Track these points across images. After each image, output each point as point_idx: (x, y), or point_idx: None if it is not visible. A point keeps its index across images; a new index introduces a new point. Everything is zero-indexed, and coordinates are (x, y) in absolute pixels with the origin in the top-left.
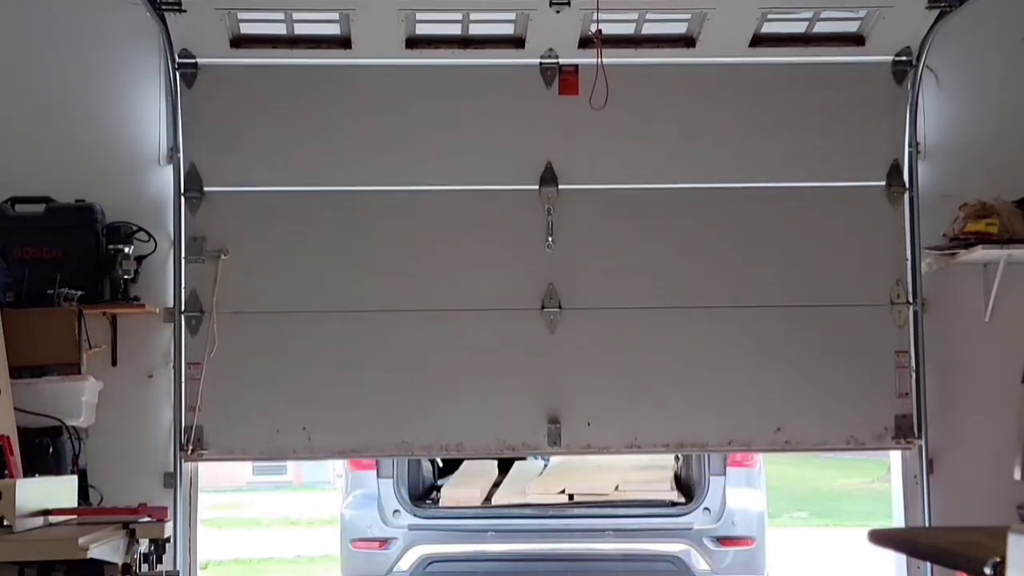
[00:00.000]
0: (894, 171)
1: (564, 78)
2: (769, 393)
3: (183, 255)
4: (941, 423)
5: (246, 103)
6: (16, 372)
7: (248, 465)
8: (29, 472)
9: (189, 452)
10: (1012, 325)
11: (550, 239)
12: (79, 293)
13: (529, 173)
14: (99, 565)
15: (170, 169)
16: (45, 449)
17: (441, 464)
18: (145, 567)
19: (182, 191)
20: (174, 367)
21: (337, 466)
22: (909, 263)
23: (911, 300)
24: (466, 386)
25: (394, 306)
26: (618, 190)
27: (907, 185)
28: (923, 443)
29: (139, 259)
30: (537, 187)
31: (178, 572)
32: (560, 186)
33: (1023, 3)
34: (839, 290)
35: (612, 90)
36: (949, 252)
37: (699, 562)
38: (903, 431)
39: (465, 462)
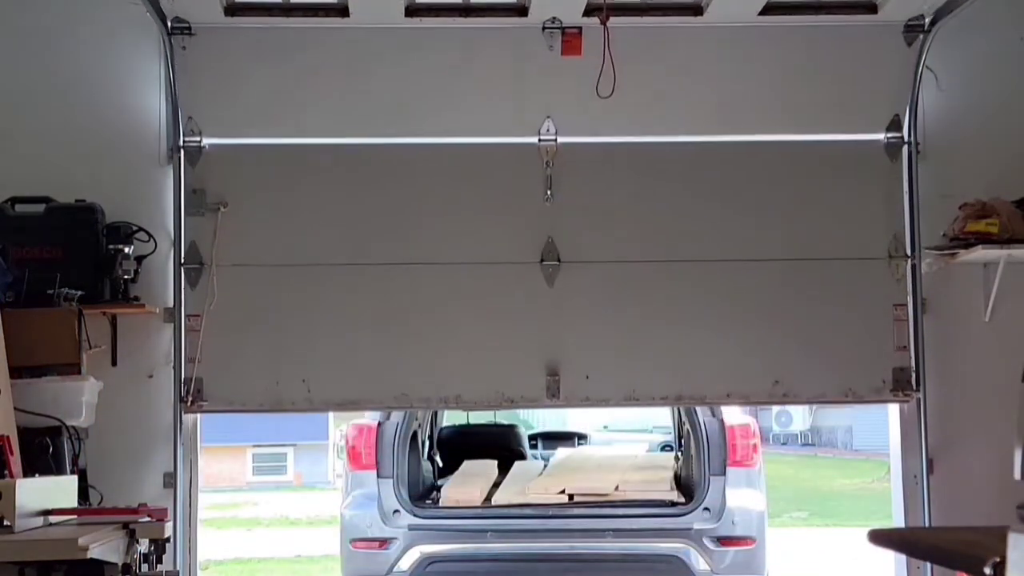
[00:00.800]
0: (893, 125)
1: (567, 40)
2: (767, 346)
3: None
4: (941, 423)
5: (244, 57)
6: (16, 372)
7: (248, 465)
8: (29, 472)
9: (189, 404)
10: (1012, 325)
11: (549, 192)
12: (79, 293)
13: (528, 126)
14: (99, 565)
15: (170, 169)
16: (45, 449)
17: (441, 464)
18: (145, 567)
19: (181, 143)
20: (174, 319)
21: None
22: (907, 217)
23: (909, 254)
24: (465, 339)
25: (393, 259)
26: (618, 144)
27: (906, 138)
28: (921, 396)
29: (139, 259)
30: (536, 140)
31: (178, 572)
32: (559, 139)
33: (1023, 3)
34: (837, 244)
35: (614, 49)
36: (949, 252)
37: (699, 562)
38: (901, 384)
39: (465, 462)
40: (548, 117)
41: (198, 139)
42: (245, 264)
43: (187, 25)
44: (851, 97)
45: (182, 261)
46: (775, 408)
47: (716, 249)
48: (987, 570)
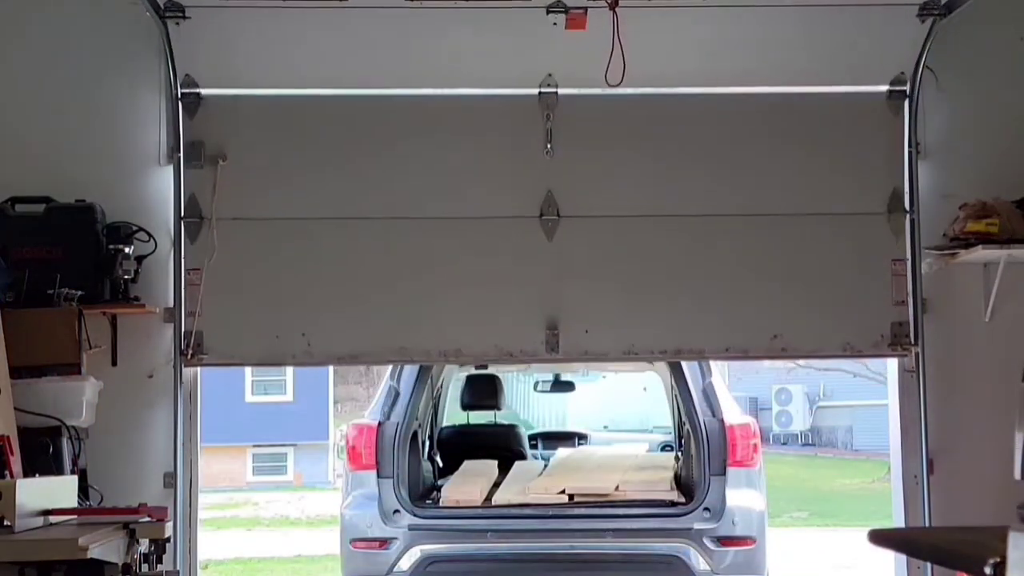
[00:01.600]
0: (897, 81)
1: (572, 17)
2: (766, 300)
3: (183, 249)
4: (941, 423)
5: (241, 9)
6: (16, 372)
7: (248, 465)
8: (29, 472)
9: (189, 357)
10: (1012, 325)
11: (549, 147)
12: (79, 293)
13: (529, 78)
14: (99, 565)
15: (170, 169)
16: (45, 449)
17: (441, 464)
18: (145, 567)
19: (178, 95)
20: (174, 272)
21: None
22: (907, 172)
23: (908, 208)
24: (464, 293)
25: (393, 213)
26: (619, 96)
27: (908, 94)
28: (919, 350)
29: (139, 259)
30: (536, 92)
31: (178, 572)
32: (560, 91)
33: (1023, 3)
34: (836, 199)
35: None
36: (949, 252)
37: (699, 562)
38: (899, 338)
39: (465, 462)
40: (549, 74)
41: (196, 89)
42: (244, 218)
43: (181, 11)
44: (855, 49)
45: (182, 215)
46: (775, 408)
47: (715, 203)
48: (987, 570)
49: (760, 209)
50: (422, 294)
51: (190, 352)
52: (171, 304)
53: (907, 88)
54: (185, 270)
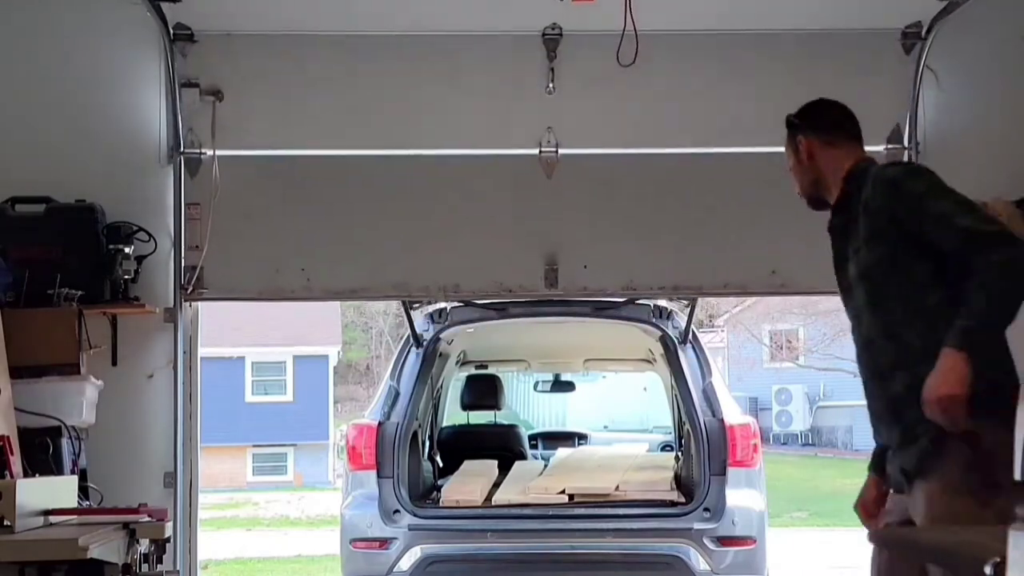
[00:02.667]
0: (914, 25)
1: None
2: (765, 237)
3: (183, 183)
4: None
5: None
6: (16, 372)
7: (248, 465)
8: (29, 472)
9: (189, 291)
10: (1012, 325)
11: (551, 85)
12: (79, 293)
13: (532, 16)
14: (99, 565)
15: (170, 169)
16: (45, 449)
17: (441, 464)
18: (145, 567)
19: (171, 37)
20: (174, 206)
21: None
22: (910, 109)
23: (907, 144)
24: (463, 229)
25: (393, 149)
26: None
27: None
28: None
29: (139, 259)
30: (540, 32)
31: (178, 572)
32: (563, 29)
33: (1023, 3)
34: None
35: None
36: None
37: (699, 562)
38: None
39: (465, 462)
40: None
41: (189, 31)
42: (243, 153)
43: (189, 32)
44: None
45: (182, 149)
46: (775, 408)
47: (716, 139)
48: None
49: (760, 144)
50: (421, 230)
51: (191, 287)
52: (171, 304)
53: (922, 30)
54: (185, 204)
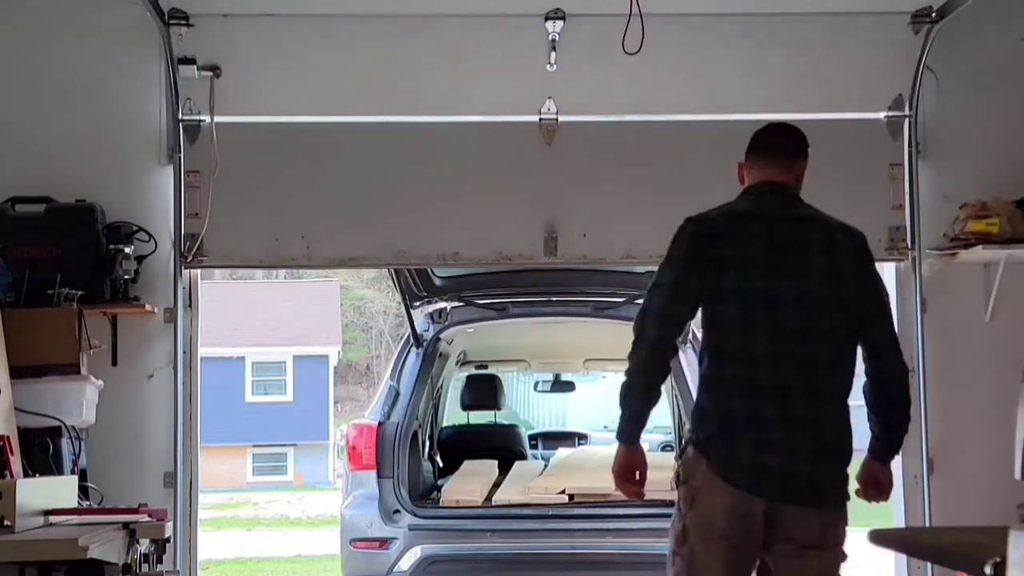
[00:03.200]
0: (921, 10)
1: None
2: None
3: (182, 152)
4: (941, 423)
5: None
6: (16, 372)
7: (248, 465)
8: (29, 472)
9: (189, 259)
10: (1012, 325)
11: (553, 55)
12: (79, 293)
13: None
14: (99, 565)
15: (170, 169)
16: (45, 449)
17: (441, 464)
18: (145, 567)
19: (167, 21)
20: (174, 175)
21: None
22: (912, 78)
23: (908, 112)
24: (463, 197)
25: (392, 116)
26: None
27: (907, 143)
28: (916, 254)
29: (139, 259)
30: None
31: (178, 572)
32: (566, 14)
33: (1023, 3)
34: (836, 100)
35: None
36: (949, 252)
37: None
38: (896, 243)
39: (465, 462)
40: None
41: (185, 16)
42: (243, 120)
43: (185, 18)
44: None
45: (180, 117)
46: None
47: (715, 105)
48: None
49: (759, 110)
50: (421, 198)
51: (191, 255)
52: (172, 304)
53: (930, 17)
54: (185, 172)
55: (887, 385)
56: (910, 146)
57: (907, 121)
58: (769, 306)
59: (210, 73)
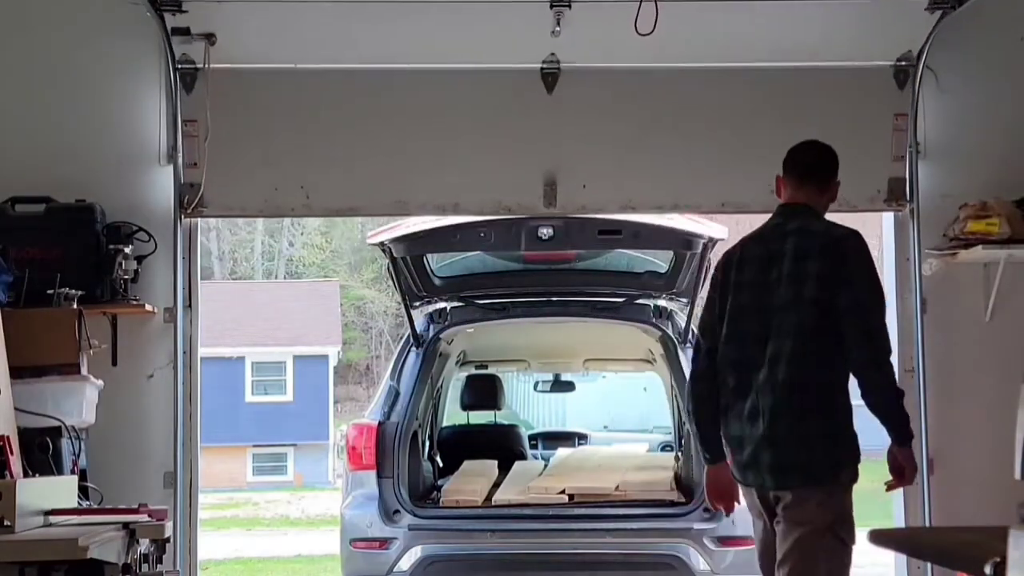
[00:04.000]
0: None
1: None
2: (766, 154)
3: (178, 101)
4: (941, 423)
5: None
6: (16, 372)
7: (248, 465)
8: (29, 472)
9: (189, 210)
10: (1012, 325)
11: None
12: (79, 293)
13: None
14: (99, 565)
15: (170, 169)
16: (45, 449)
17: (441, 464)
18: (145, 567)
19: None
20: (171, 125)
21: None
22: (926, 31)
23: (915, 62)
24: (463, 147)
25: (391, 64)
26: None
27: (908, 142)
28: (914, 207)
29: (139, 259)
30: None
31: (178, 572)
32: None
33: (1023, 3)
34: (842, 49)
35: None
36: (949, 252)
37: (699, 562)
38: (895, 194)
39: (465, 462)
40: None
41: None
42: (240, 67)
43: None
44: None
45: (176, 67)
46: None
47: (717, 55)
48: (987, 570)
49: (762, 59)
50: (420, 148)
51: (191, 206)
52: (171, 304)
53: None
54: (182, 121)
55: (858, 376)
56: (915, 95)
57: (917, 73)
58: (736, 317)
59: (204, 40)
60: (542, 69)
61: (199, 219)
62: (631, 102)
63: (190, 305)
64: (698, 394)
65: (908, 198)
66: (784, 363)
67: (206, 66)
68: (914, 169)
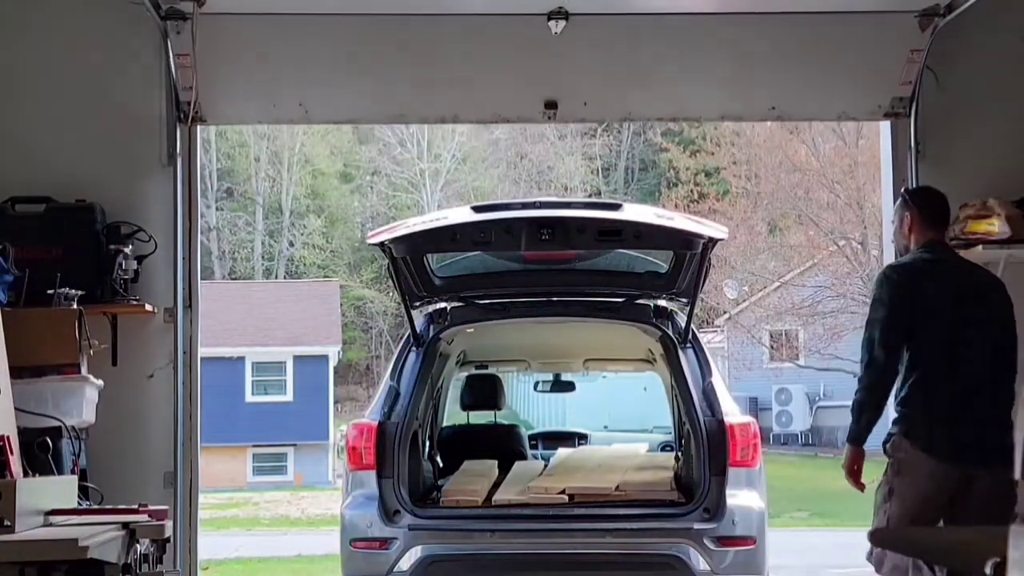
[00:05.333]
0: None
1: None
2: (764, 67)
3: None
4: None
5: None
6: (16, 372)
7: (248, 465)
8: (29, 472)
9: (188, 122)
10: None
11: None
12: (79, 293)
13: None
14: (99, 565)
15: (170, 170)
16: (45, 449)
17: (441, 464)
18: (145, 567)
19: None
20: (164, 54)
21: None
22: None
23: (943, 13)
24: (463, 60)
25: None
26: None
27: (910, 142)
28: (913, 120)
29: (139, 259)
30: None
31: (178, 572)
32: None
33: (1023, 3)
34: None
35: None
36: None
37: (699, 562)
38: (895, 108)
39: (465, 462)
40: None
41: None
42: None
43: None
44: None
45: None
46: (775, 408)
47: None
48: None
49: (790, 7)
50: (420, 60)
51: (189, 120)
52: (171, 304)
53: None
54: (174, 55)
55: None
56: (933, 35)
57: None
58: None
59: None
60: (549, 18)
61: (199, 130)
62: (633, 15)
63: (190, 305)
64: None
65: (907, 114)
66: None
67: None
68: (914, 169)
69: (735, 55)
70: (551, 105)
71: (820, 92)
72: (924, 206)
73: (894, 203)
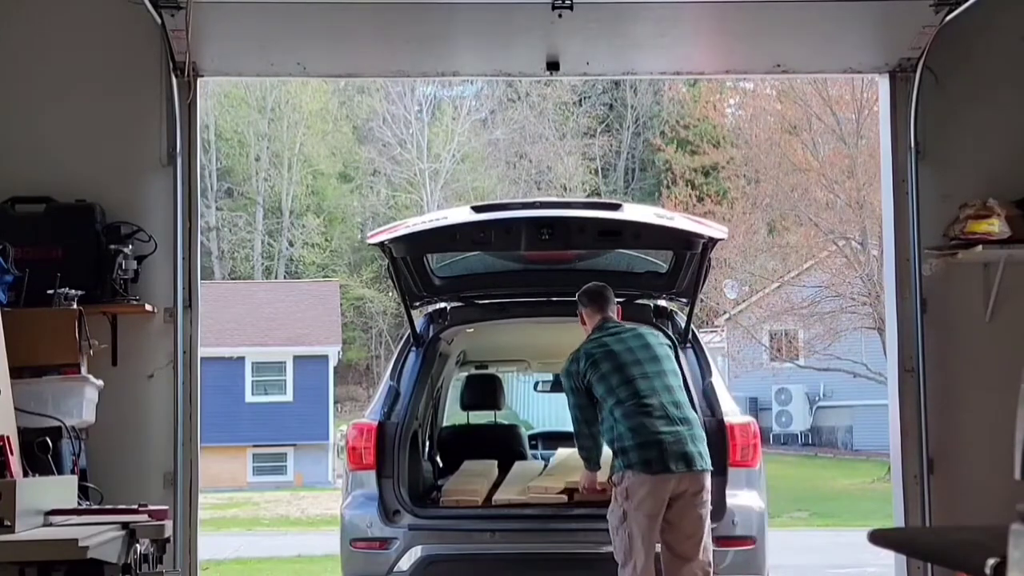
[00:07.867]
0: None
1: None
2: (767, 22)
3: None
4: (941, 423)
5: None
6: (16, 372)
7: (248, 465)
8: (29, 472)
9: (185, 76)
10: (1012, 325)
11: None
12: (79, 293)
13: None
14: (99, 565)
15: (170, 170)
16: (45, 449)
17: (441, 464)
18: (145, 567)
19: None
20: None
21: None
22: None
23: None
24: (464, 13)
25: None
26: None
27: (911, 142)
28: (918, 76)
29: (139, 259)
30: None
31: (178, 572)
32: None
33: (1023, 3)
34: None
35: None
36: (949, 252)
37: None
38: (903, 68)
39: (465, 462)
40: None
41: None
42: None
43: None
44: None
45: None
46: (775, 408)
47: None
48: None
49: None
50: (420, 14)
51: (186, 72)
52: (171, 304)
53: None
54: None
55: None
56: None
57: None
58: None
59: None
60: (553, 6)
61: (198, 83)
62: (641, 26)
63: (190, 305)
64: None
65: (912, 69)
66: None
67: None
68: (915, 169)
69: (739, 8)
70: (553, 65)
71: (827, 45)
72: (584, 300)
73: (893, 200)
